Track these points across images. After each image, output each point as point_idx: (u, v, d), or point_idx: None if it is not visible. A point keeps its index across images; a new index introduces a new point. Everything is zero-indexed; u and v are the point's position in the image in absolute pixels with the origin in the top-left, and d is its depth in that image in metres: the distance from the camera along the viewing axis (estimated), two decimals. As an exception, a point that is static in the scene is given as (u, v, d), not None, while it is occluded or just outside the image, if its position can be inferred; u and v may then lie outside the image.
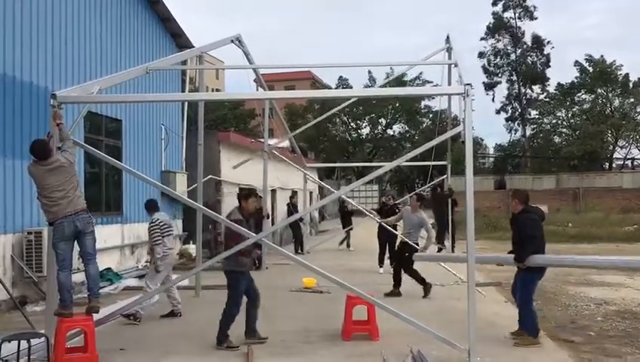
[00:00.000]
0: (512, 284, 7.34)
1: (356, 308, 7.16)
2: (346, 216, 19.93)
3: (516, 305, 7.19)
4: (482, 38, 56.52)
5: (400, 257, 10.58)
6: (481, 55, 56.86)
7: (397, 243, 11.31)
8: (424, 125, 52.38)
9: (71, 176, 6.01)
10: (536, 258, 6.58)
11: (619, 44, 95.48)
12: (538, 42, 56.08)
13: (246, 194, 7.14)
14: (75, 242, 6.06)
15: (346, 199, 18.68)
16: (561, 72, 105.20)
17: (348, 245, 19.50)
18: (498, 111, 57.74)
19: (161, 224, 8.47)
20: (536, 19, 56.03)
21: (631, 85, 49.79)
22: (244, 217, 6.95)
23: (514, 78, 56.87)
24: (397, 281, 10.42)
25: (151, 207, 8.79)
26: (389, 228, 11.96)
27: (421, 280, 10.23)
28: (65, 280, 5.89)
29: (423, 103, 51.25)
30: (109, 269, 11.60)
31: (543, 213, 7.17)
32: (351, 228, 19.26)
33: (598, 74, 49.97)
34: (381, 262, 13.25)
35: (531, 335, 6.83)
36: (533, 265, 6.64)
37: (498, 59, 57.06)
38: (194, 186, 12.31)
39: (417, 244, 10.47)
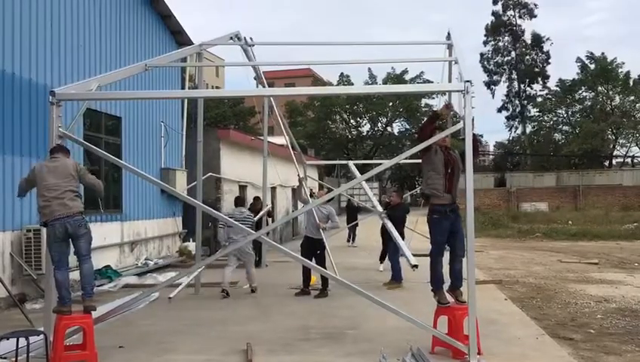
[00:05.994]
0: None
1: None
2: (352, 212, 20.02)
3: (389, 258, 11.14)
4: (485, 42, 56.73)
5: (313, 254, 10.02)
6: (482, 56, 57.04)
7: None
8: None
9: (70, 180, 5.97)
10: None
11: (622, 42, 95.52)
12: (538, 40, 56.15)
13: None
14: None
15: (350, 197, 18.62)
16: (563, 70, 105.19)
17: (352, 240, 19.50)
18: (499, 110, 57.86)
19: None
20: (535, 17, 56.30)
21: (632, 83, 49.73)
22: None
23: (514, 76, 56.93)
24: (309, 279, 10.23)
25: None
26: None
27: (326, 282, 9.90)
28: (62, 279, 5.85)
29: (423, 102, 51.19)
30: (108, 267, 11.60)
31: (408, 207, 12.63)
32: (356, 225, 19.27)
33: (599, 71, 49.93)
34: (382, 259, 13.21)
35: (396, 281, 10.65)
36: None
37: (498, 57, 57.14)
38: (194, 184, 12.29)
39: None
